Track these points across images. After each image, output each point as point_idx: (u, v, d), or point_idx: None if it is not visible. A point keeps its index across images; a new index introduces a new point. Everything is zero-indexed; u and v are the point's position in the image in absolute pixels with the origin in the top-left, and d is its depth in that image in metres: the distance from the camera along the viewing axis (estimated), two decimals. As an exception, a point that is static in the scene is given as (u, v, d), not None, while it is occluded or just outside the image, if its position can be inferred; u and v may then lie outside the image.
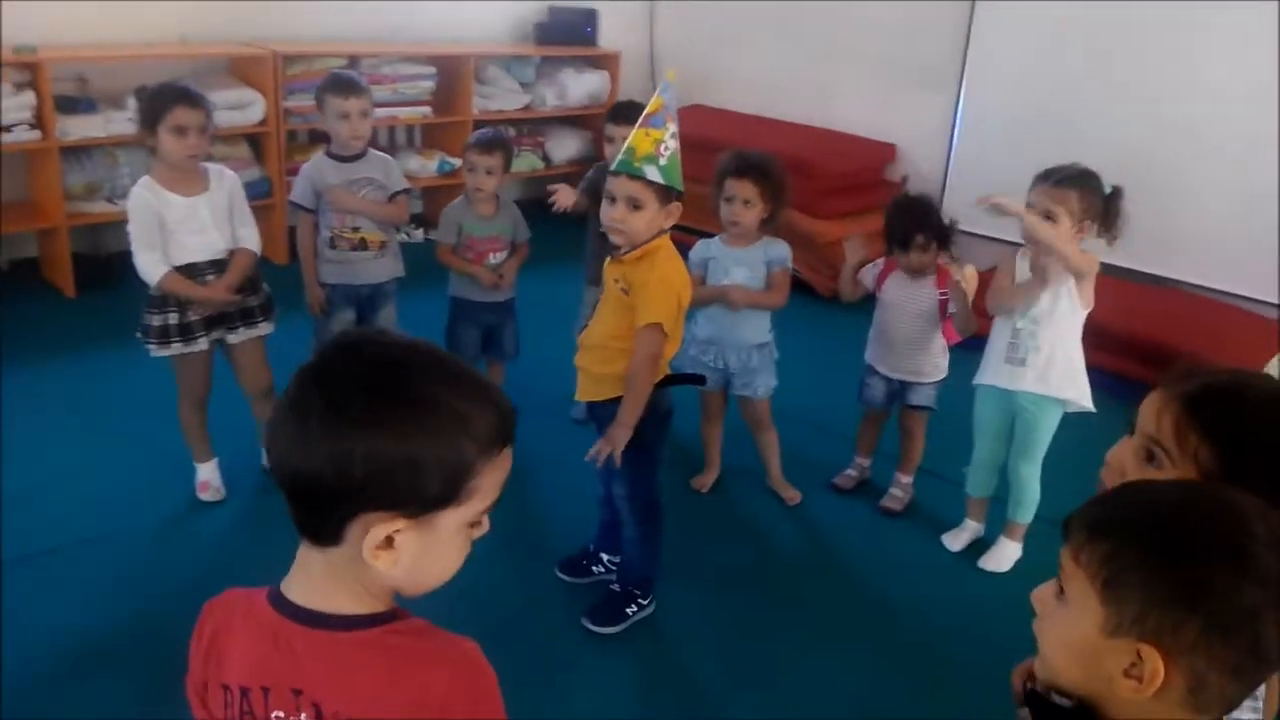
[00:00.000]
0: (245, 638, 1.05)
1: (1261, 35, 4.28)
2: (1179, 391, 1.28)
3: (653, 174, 2.31)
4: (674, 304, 2.39)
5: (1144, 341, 4.09)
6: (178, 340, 2.88)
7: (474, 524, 1.02)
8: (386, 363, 0.97)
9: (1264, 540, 0.95)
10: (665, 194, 2.35)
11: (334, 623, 1.01)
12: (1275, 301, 4.36)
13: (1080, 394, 2.86)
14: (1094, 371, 2.93)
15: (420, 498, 0.96)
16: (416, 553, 0.98)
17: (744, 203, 3.04)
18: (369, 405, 0.93)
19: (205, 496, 3.08)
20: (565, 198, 3.51)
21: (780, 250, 3.15)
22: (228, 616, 1.08)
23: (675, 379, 2.58)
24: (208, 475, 3.09)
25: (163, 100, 2.76)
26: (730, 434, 3.40)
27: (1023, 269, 2.86)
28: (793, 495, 3.35)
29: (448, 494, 0.96)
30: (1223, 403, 1.26)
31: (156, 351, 2.88)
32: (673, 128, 2.35)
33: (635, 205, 2.33)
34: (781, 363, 3.29)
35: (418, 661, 1.01)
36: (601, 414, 2.50)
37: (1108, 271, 2.93)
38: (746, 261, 3.12)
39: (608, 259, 2.50)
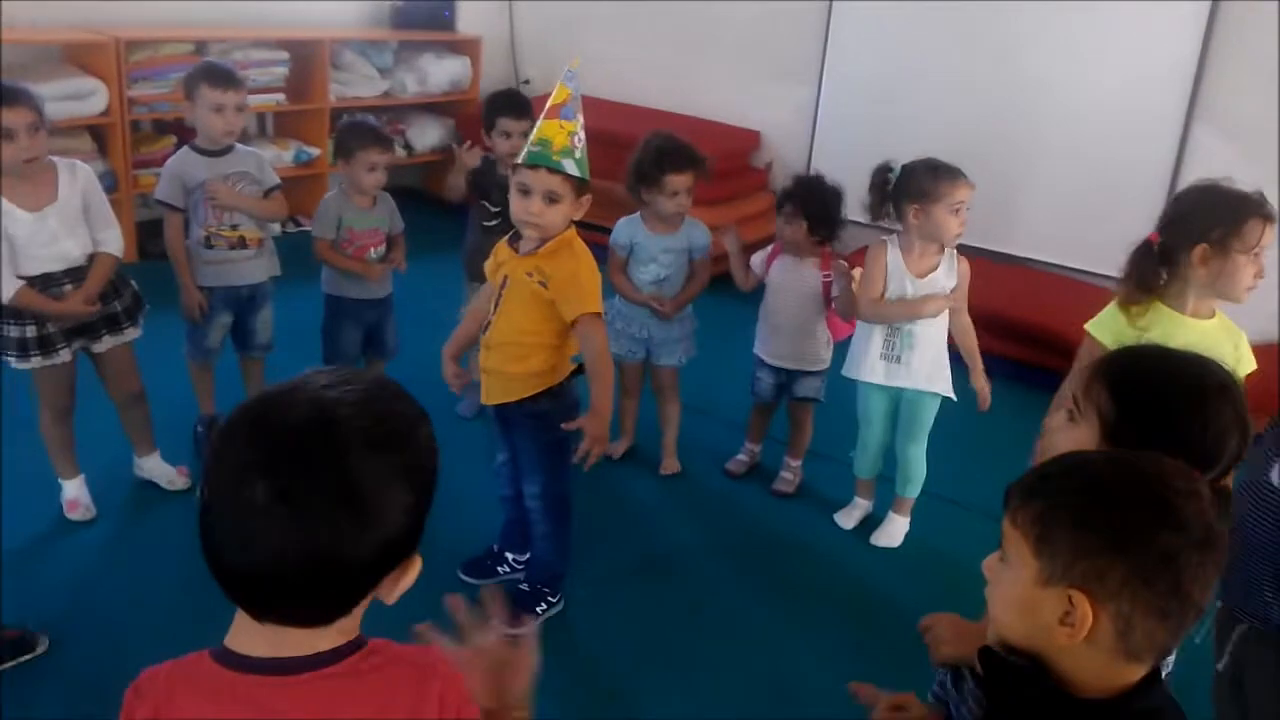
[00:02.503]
0: (196, 706, 0.97)
1: (1098, 29, 4.58)
2: (1103, 355, 1.48)
3: (571, 168, 2.29)
4: (600, 292, 2.40)
5: (1003, 319, 4.30)
6: (37, 353, 2.68)
7: None
8: (348, 431, 0.91)
9: (1183, 493, 1.05)
10: (580, 187, 2.33)
11: (312, 664, 0.97)
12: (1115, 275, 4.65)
13: (947, 384, 3.02)
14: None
15: (423, 529, 0.97)
16: (397, 576, 0.99)
17: (686, 193, 3.13)
18: (380, 478, 0.91)
19: (74, 516, 2.88)
20: (470, 159, 3.44)
21: (703, 236, 3.25)
22: (168, 692, 0.99)
23: (583, 369, 2.56)
24: (75, 493, 2.90)
25: None
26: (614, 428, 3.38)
27: (892, 258, 2.95)
28: (672, 466, 3.44)
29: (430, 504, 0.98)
30: (1130, 362, 1.47)
31: (16, 365, 2.68)
32: (581, 119, 2.32)
33: (553, 199, 2.30)
34: (669, 351, 3.32)
35: (406, 679, 1.00)
36: (514, 414, 2.46)
37: (968, 253, 3.08)
38: (672, 248, 3.21)
39: (507, 254, 2.45)
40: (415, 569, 0.99)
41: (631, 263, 3.25)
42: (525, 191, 2.31)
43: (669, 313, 3.23)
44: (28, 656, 2.37)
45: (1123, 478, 1.09)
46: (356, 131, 3.30)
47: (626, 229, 3.26)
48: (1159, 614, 1.03)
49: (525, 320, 2.39)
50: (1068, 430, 1.45)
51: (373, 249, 3.34)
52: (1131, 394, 1.40)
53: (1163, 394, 1.40)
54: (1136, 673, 1.07)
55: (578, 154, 2.30)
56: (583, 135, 2.32)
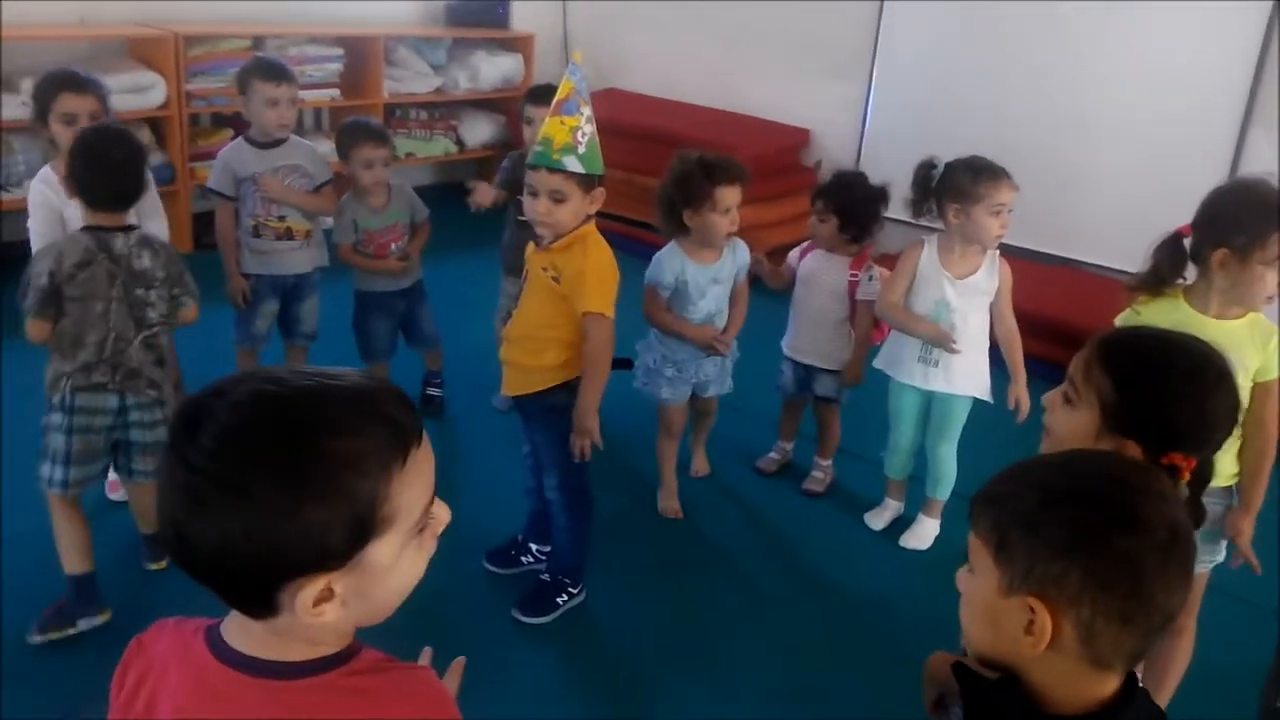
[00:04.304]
0: (182, 688, 0.95)
1: (1154, 29, 4.49)
2: (1097, 337, 1.45)
3: (573, 164, 2.28)
4: (612, 289, 2.38)
5: (1050, 322, 4.22)
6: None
7: (420, 530, 0.94)
8: (257, 417, 0.86)
9: (1138, 490, 1.03)
10: (588, 182, 2.32)
11: (287, 671, 0.93)
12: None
13: (985, 388, 2.97)
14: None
15: (330, 553, 0.87)
16: (362, 590, 0.91)
17: (736, 209, 2.89)
18: (240, 477, 0.84)
19: (115, 496, 2.97)
20: (484, 196, 3.43)
21: (745, 253, 3.06)
22: (163, 661, 0.98)
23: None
24: (115, 474, 2.98)
25: (49, 88, 2.64)
26: (645, 430, 3.35)
27: (929, 258, 2.91)
28: (702, 467, 3.40)
29: (361, 535, 0.88)
30: (1125, 342, 1.46)
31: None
32: (587, 111, 2.30)
33: (559, 199, 2.30)
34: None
35: (385, 704, 0.95)
36: (531, 407, 2.48)
37: (1016, 255, 3.04)
38: (721, 278, 3.00)
39: (530, 248, 2.48)
40: (339, 594, 0.89)
41: (677, 301, 2.97)
42: (533, 193, 2.32)
43: (729, 347, 3.06)
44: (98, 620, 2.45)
45: (1077, 480, 1.07)
46: (352, 130, 3.33)
47: (671, 264, 2.93)
48: (1121, 619, 0.99)
49: (541, 314, 2.41)
50: (1065, 413, 1.44)
51: (393, 245, 3.38)
52: (1131, 377, 1.38)
53: (1163, 378, 1.38)
54: (1110, 682, 1.05)
55: (581, 149, 2.27)
56: (589, 129, 2.29)
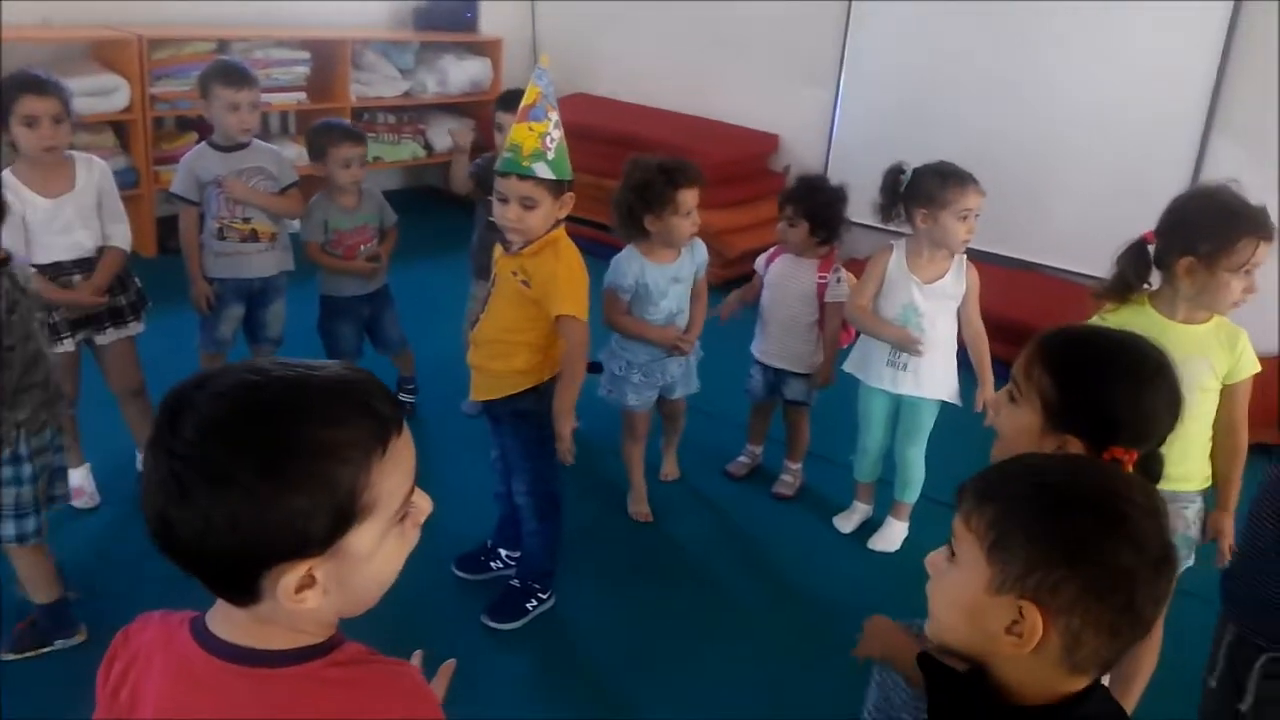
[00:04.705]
0: (164, 677, 0.97)
1: (1117, 36, 4.54)
2: (1038, 336, 1.47)
3: (543, 171, 2.28)
4: (584, 293, 2.38)
5: (1016, 325, 4.26)
6: (43, 342, 2.73)
7: (400, 519, 0.96)
8: (239, 408, 0.88)
9: (1142, 508, 1.03)
10: (558, 187, 2.32)
11: (269, 659, 0.94)
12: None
13: (954, 391, 3.00)
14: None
15: (311, 540, 0.89)
16: (343, 578, 0.92)
17: (696, 211, 2.91)
18: (222, 465, 0.86)
19: (79, 503, 2.92)
20: (463, 136, 3.48)
21: (703, 251, 3.10)
22: (148, 653, 0.99)
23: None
24: (80, 481, 2.93)
25: (10, 90, 2.59)
26: (616, 434, 3.35)
27: (897, 263, 2.93)
28: (672, 471, 3.41)
29: (342, 522, 0.90)
30: (1064, 339, 1.47)
31: (22, 353, 2.72)
32: (555, 116, 2.30)
33: (529, 205, 2.29)
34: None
35: (367, 697, 0.96)
36: (500, 412, 2.47)
37: (982, 259, 3.06)
38: (681, 276, 3.02)
39: (499, 251, 2.47)
40: (320, 582, 0.91)
41: (638, 303, 2.98)
42: (503, 199, 2.32)
43: (692, 346, 3.09)
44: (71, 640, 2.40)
45: (1083, 490, 1.06)
46: (328, 130, 3.32)
47: (630, 267, 2.94)
48: (1109, 631, 1.00)
49: (510, 319, 2.40)
50: (1010, 411, 1.46)
51: (362, 247, 3.37)
52: (1070, 375, 1.40)
53: (1101, 375, 1.40)
54: (1078, 684, 1.05)
55: (550, 155, 2.27)
56: (556, 134, 2.29)
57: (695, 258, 3.07)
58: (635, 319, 2.99)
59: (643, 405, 3.12)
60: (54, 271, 2.71)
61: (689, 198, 2.88)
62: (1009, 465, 1.13)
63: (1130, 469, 1.36)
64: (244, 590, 0.91)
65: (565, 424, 2.39)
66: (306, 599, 0.91)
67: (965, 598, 1.06)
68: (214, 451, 0.86)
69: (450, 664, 1.19)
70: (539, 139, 2.26)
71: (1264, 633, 1.76)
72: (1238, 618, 1.83)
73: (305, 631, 0.95)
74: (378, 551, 0.94)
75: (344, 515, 0.89)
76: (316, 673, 0.95)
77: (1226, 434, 2.16)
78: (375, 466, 0.90)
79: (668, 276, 2.98)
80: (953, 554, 1.10)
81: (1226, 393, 2.15)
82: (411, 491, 0.97)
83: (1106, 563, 0.99)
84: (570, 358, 2.38)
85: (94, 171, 2.78)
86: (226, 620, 0.96)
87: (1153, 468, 1.43)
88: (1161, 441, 1.43)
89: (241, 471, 0.85)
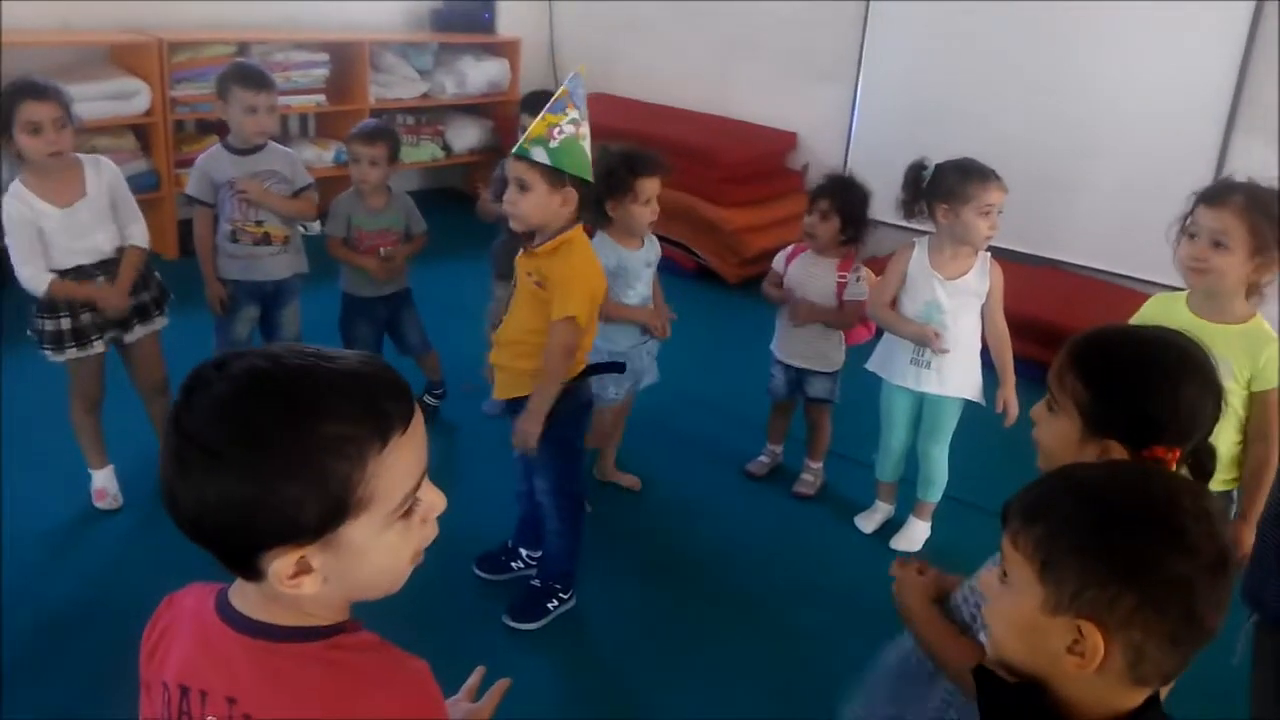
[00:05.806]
0: (188, 642, 1.01)
1: (1139, 33, 4.50)
2: (1068, 341, 1.44)
3: (539, 155, 2.28)
4: (588, 297, 2.38)
5: (1037, 323, 4.23)
6: (72, 345, 2.76)
7: (404, 514, 0.94)
8: (244, 391, 0.89)
9: (1191, 513, 1.00)
10: (555, 177, 2.30)
11: (274, 633, 0.96)
12: (1161, 281, 4.55)
13: (977, 390, 2.97)
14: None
15: (302, 528, 0.89)
16: (338, 568, 0.93)
17: (656, 200, 2.97)
18: (218, 445, 0.87)
19: (101, 505, 2.95)
20: (486, 208, 3.45)
21: (657, 244, 3.14)
22: (183, 617, 1.04)
23: (594, 369, 2.57)
24: (103, 482, 2.96)
25: (10, 98, 2.58)
26: (637, 428, 3.37)
27: (919, 260, 2.92)
28: (631, 480, 3.37)
29: (335, 514, 0.89)
30: (1096, 344, 1.43)
31: (52, 357, 2.76)
32: (573, 114, 2.30)
33: (523, 186, 2.31)
34: (693, 351, 3.30)
35: (364, 684, 0.96)
36: (521, 410, 2.47)
37: (1004, 256, 3.04)
38: (651, 260, 3.07)
39: (520, 252, 2.47)
40: (316, 570, 0.91)
41: (614, 287, 2.94)
42: (508, 182, 2.36)
43: (667, 329, 3.09)
44: None
45: (1129, 500, 1.03)
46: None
47: (606, 252, 2.93)
48: (1171, 641, 0.98)
49: (529, 319, 2.41)
50: (1049, 421, 1.43)
51: (382, 249, 3.37)
52: (1102, 378, 1.38)
53: (1133, 374, 1.38)
54: (1139, 697, 1.03)
55: (552, 144, 2.27)
56: (569, 129, 2.29)
57: (656, 249, 3.10)
58: (616, 304, 2.99)
59: (622, 396, 3.15)
60: (76, 275, 2.73)
61: (648, 186, 2.92)
62: (1051, 481, 1.10)
63: (1175, 467, 1.33)
64: (244, 567, 0.93)
65: (535, 424, 2.38)
66: (302, 585, 0.92)
67: (1022, 620, 1.04)
68: (214, 431, 0.88)
69: (504, 683, 1.20)
70: (547, 128, 2.28)
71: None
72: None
73: (314, 615, 0.97)
74: (376, 545, 0.94)
75: (337, 507, 0.89)
76: (316, 653, 0.96)
77: (1255, 441, 2.14)
78: (373, 461, 0.90)
79: (641, 261, 3.03)
80: (1004, 575, 1.08)
81: (1255, 400, 2.13)
82: (418, 487, 0.96)
83: (1161, 574, 0.97)
84: (548, 358, 2.37)
85: (104, 174, 2.78)
86: (241, 593, 0.99)
87: (1205, 462, 1.39)
88: (1208, 434, 1.39)
89: (234, 453, 0.87)
